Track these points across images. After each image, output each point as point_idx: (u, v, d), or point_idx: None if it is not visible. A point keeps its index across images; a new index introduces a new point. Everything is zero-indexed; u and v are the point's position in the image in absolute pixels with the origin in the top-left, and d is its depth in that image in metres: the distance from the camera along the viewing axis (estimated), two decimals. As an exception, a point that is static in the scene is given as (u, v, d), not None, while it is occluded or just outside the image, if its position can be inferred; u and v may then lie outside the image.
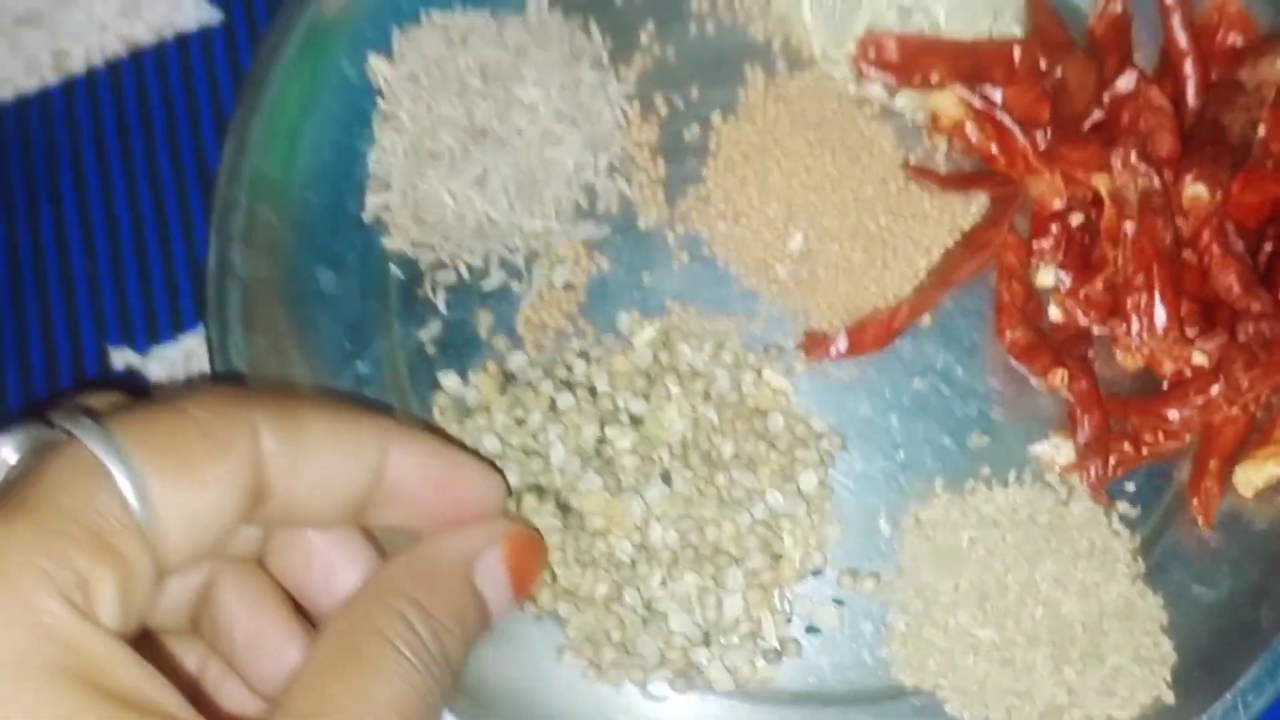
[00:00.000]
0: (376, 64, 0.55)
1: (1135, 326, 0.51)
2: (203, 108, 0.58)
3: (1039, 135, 0.54)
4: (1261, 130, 0.53)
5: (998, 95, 0.55)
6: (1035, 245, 0.54)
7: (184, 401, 0.35)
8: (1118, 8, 0.56)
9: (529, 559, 0.44)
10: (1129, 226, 0.51)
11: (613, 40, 0.57)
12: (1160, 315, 0.50)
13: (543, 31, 0.56)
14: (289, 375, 0.52)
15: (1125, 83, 0.54)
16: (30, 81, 0.58)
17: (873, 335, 0.53)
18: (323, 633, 0.37)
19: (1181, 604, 0.50)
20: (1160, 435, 0.52)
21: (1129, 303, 0.51)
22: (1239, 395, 0.50)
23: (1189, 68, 0.54)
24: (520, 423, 0.52)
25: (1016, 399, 0.53)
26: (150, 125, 0.57)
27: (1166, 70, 0.55)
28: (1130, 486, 0.53)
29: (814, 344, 0.53)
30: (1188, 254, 0.52)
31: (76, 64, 0.58)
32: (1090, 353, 0.53)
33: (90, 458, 0.32)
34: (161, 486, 0.33)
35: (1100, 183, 0.52)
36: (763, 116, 0.56)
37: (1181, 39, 0.54)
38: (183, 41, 0.59)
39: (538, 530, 0.48)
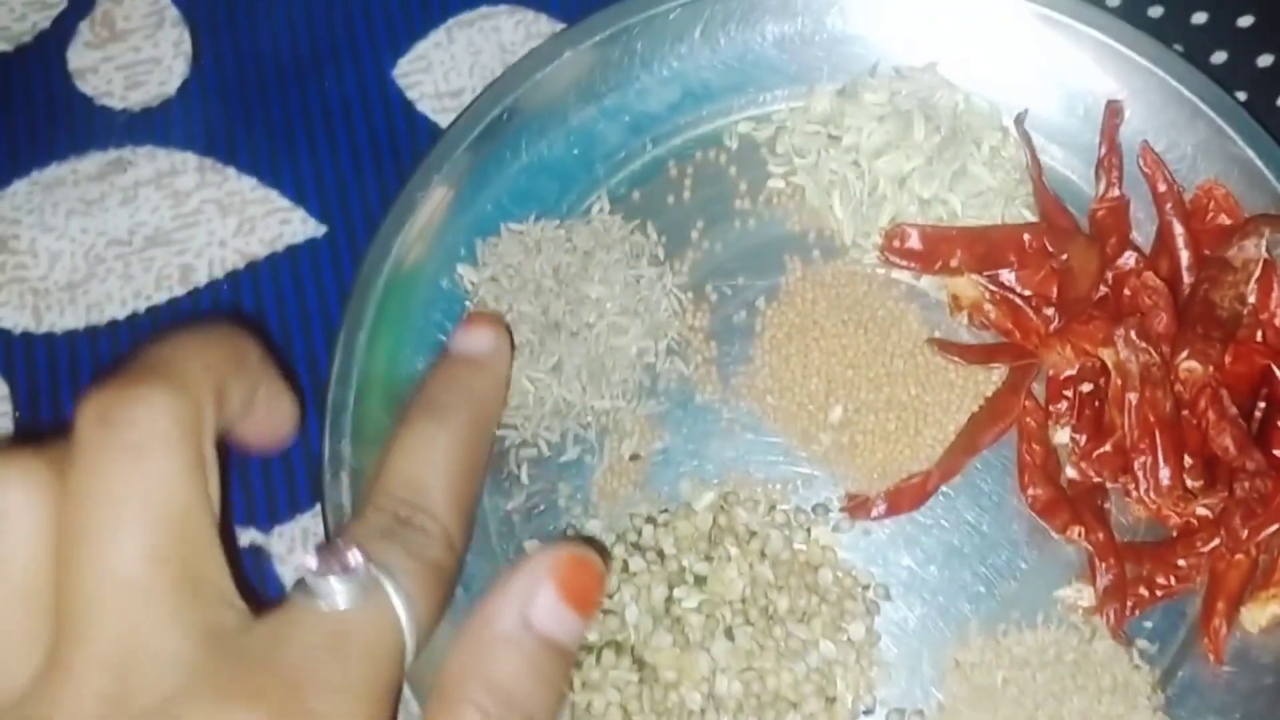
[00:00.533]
0: (464, 271, 0.63)
1: (1143, 485, 0.57)
2: (312, 310, 0.65)
3: (1049, 311, 0.61)
4: (1252, 297, 0.60)
5: (1011, 277, 0.62)
6: (1051, 409, 0.60)
7: None
8: (1115, 193, 0.63)
9: (584, 579, 0.43)
10: (1132, 396, 0.57)
11: (667, 238, 0.65)
12: (1164, 476, 0.56)
13: (606, 234, 0.64)
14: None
15: (1125, 261, 0.61)
16: (160, 294, 0.66)
17: (909, 498, 0.59)
18: None
19: (1199, 733, 0.56)
20: (1172, 579, 0.58)
21: (1136, 464, 0.57)
22: (1240, 544, 0.56)
23: (1182, 247, 0.61)
24: (598, 585, 0.58)
25: (1040, 548, 0.59)
26: (266, 329, 0.65)
27: (1162, 248, 0.62)
28: (1148, 624, 0.58)
29: (857, 507, 0.60)
30: (1187, 414, 0.58)
31: (200, 277, 0.66)
32: (1106, 504, 0.59)
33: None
34: None
35: (1106, 355, 0.58)
36: (802, 300, 0.63)
37: (1176, 226, 0.61)
38: (292, 252, 0.66)
39: (583, 544, 0.47)
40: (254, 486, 0.63)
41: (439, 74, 0.69)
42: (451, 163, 0.63)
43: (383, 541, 0.42)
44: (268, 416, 0.45)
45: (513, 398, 0.61)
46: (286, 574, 0.61)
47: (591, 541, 0.56)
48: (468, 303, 0.63)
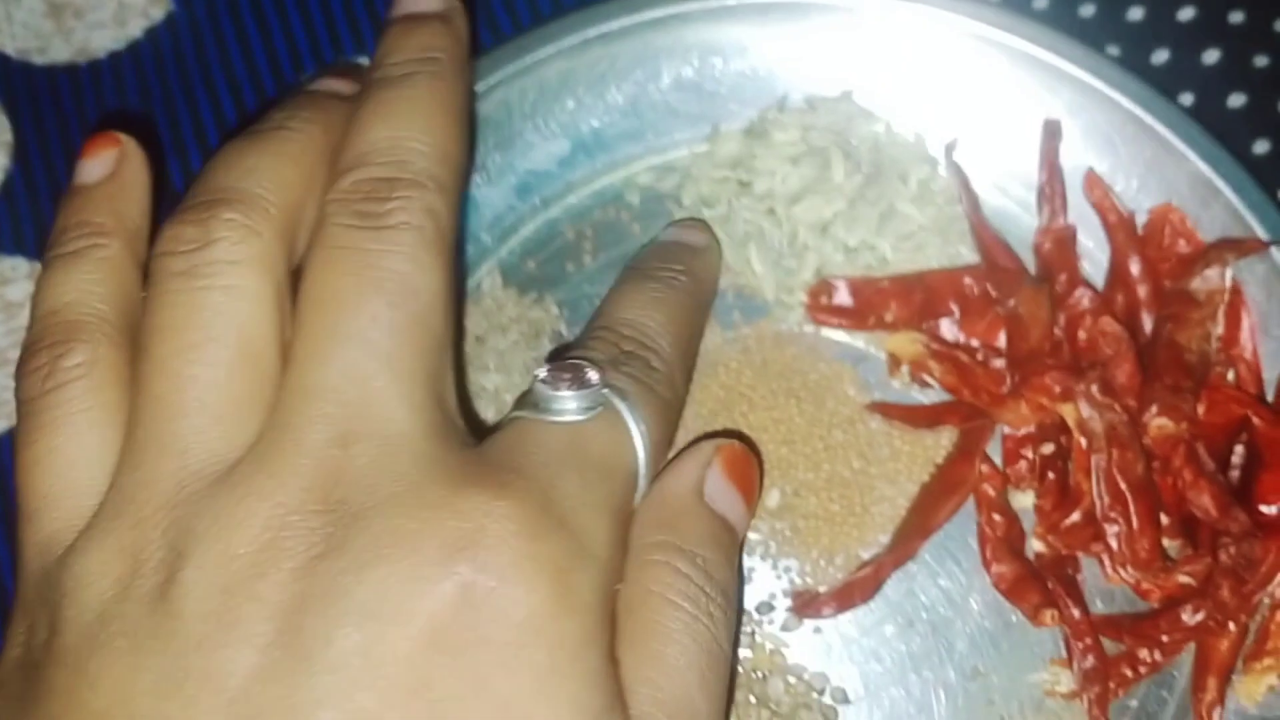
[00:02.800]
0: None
1: (1118, 558, 0.51)
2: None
3: (999, 363, 0.55)
4: (1219, 330, 0.54)
5: (953, 326, 0.56)
6: (1010, 471, 0.54)
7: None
8: (1060, 222, 0.56)
9: (745, 466, 0.45)
10: (1099, 459, 0.51)
11: (570, 311, 0.58)
12: (1141, 547, 0.51)
13: (500, 313, 0.57)
14: None
15: (1078, 300, 0.55)
16: (1, 423, 0.58)
17: (860, 591, 0.53)
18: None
19: (1199, 823, 0.51)
20: (1157, 654, 0.52)
21: (1108, 533, 0.51)
22: (1229, 615, 0.50)
23: (1139, 281, 0.55)
24: None
25: (1011, 626, 0.53)
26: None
27: (1117, 282, 0.55)
28: (1133, 704, 0.53)
29: (804, 604, 0.53)
30: (1159, 466, 0.53)
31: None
32: (1079, 574, 0.53)
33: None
34: None
35: (1066, 413, 0.52)
36: (725, 370, 0.57)
37: (1131, 259, 0.54)
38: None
39: (741, 437, 0.50)
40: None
41: (299, 143, 0.61)
42: (317, 251, 0.55)
43: (611, 367, 0.41)
44: None
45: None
46: None
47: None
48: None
